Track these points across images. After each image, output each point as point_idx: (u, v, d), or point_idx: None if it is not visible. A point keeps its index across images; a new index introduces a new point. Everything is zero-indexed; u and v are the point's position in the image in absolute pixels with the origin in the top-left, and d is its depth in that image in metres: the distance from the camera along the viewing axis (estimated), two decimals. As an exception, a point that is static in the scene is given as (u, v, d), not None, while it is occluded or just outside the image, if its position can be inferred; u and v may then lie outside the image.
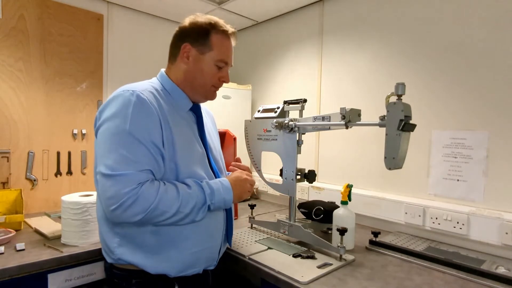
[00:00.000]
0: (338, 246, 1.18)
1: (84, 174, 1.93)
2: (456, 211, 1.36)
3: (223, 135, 1.77)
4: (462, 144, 1.39)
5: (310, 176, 1.36)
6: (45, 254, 1.19)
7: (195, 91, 1.11)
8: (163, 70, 1.15)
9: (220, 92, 1.17)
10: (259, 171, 1.47)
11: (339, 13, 1.87)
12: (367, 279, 1.07)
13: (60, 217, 1.44)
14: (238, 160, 1.27)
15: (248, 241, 1.38)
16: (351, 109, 1.14)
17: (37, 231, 1.42)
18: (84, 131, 1.92)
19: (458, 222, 1.35)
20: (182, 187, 0.96)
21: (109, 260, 1.02)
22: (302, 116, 1.37)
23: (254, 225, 1.58)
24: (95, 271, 1.27)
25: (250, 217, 1.57)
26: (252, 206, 1.57)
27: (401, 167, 1.05)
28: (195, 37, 1.07)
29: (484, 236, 1.29)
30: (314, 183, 1.72)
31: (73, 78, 1.89)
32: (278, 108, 1.41)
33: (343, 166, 1.84)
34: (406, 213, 1.51)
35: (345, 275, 1.09)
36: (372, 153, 1.71)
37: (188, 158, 1.03)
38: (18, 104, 1.71)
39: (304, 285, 1.01)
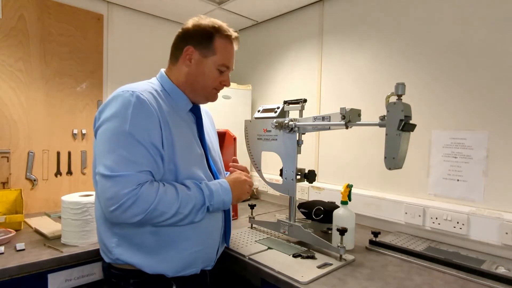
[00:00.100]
0: (338, 246, 1.18)
1: (84, 174, 1.93)
2: (456, 211, 1.36)
3: (223, 135, 1.77)
4: (462, 144, 1.39)
5: (310, 176, 1.36)
6: (45, 254, 1.19)
7: (196, 93, 1.11)
8: (163, 70, 1.14)
9: (220, 92, 1.17)
10: (259, 171, 1.47)
11: (339, 13, 1.87)
12: (367, 279, 1.07)
13: (60, 217, 1.44)
14: (235, 160, 1.27)
15: (248, 241, 1.38)
16: (351, 109, 1.14)
17: (37, 231, 1.42)
18: (84, 131, 1.92)
19: (458, 222, 1.35)
20: (182, 188, 0.96)
21: (107, 260, 1.03)
22: (302, 116, 1.37)
23: (254, 225, 1.58)
24: (95, 271, 1.27)
25: (250, 217, 1.57)
26: (252, 206, 1.57)
27: (401, 167, 1.05)
28: (199, 40, 1.07)
29: (484, 236, 1.29)
30: (314, 183, 1.72)
31: (73, 78, 1.89)
32: (278, 108, 1.41)
33: (343, 166, 1.84)
34: (406, 213, 1.51)
35: (345, 275, 1.09)
36: (372, 153, 1.70)
37: (187, 159, 1.03)
38: (18, 104, 1.71)
39: (304, 285, 1.01)
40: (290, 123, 1.30)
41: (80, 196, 1.35)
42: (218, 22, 1.09)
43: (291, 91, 2.15)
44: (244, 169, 1.22)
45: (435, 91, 1.48)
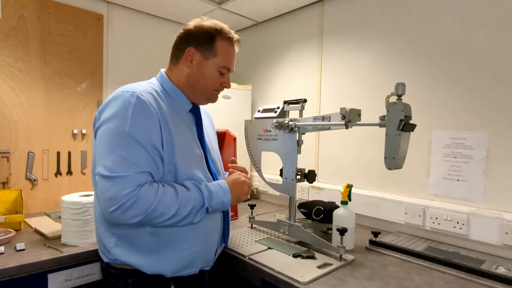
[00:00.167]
0: (338, 246, 1.18)
1: (84, 174, 1.93)
2: (456, 211, 1.36)
3: (223, 135, 1.77)
4: (462, 144, 1.39)
5: (310, 176, 1.36)
6: (45, 254, 1.19)
7: (197, 94, 1.11)
8: (163, 70, 1.14)
9: (220, 93, 1.17)
10: (259, 171, 1.47)
11: (339, 13, 1.87)
12: (367, 279, 1.07)
13: (60, 217, 1.44)
14: (234, 161, 1.27)
15: (248, 241, 1.38)
16: (351, 109, 1.14)
17: (37, 231, 1.42)
18: (84, 131, 1.92)
19: (458, 222, 1.35)
20: (181, 190, 0.96)
21: (105, 259, 1.03)
22: (302, 116, 1.37)
23: (254, 225, 1.58)
24: (95, 271, 1.27)
25: (250, 217, 1.57)
26: (252, 206, 1.57)
27: (401, 167, 1.05)
28: (200, 41, 1.07)
29: (484, 236, 1.29)
30: (314, 183, 1.72)
31: (73, 78, 1.89)
32: (278, 108, 1.41)
33: (343, 166, 1.84)
34: (406, 213, 1.51)
35: (345, 275, 1.09)
36: (372, 153, 1.70)
37: (187, 160, 1.03)
38: (18, 104, 1.71)
39: (304, 285, 1.01)
40: (290, 123, 1.30)
41: (80, 196, 1.35)
42: (220, 24, 1.10)
43: (291, 91, 2.15)
44: (243, 170, 1.22)
45: (435, 91, 1.48)
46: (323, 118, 1.23)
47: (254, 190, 2.33)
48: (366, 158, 1.73)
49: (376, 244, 1.36)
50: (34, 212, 1.74)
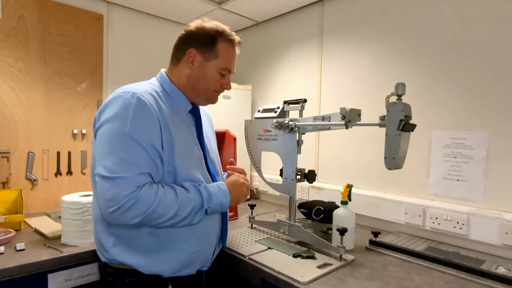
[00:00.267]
0: (338, 246, 1.18)
1: (84, 174, 1.93)
2: (456, 211, 1.36)
3: (223, 135, 1.77)
4: (462, 144, 1.39)
5: (310, 176, 1.36)
6: (45, 254, 1.19)
7: (197, 95, 1.11)
8: (163, 70, 1.14)
9: (220, 94, 1.17)
10: (259, 171, 1.47)
11: (339, 13, 1.87)
12: (367, 279, 1.07)
13: (60, 217, 1.44)
14: (232, 163, 1.27)
15: (248, 241, 1.38)
16: (351, 109, 1.14)
17: (37, 231, 1.42)
18: (84, 131, 1.92)
19: (458, 222, 1.35)
20: (181, 191, 0.96)
21: (103, 259, 1.03)
22: (302, 116, 1.37)
23: (254, 225, 1.58)
24: (95, 271, 1.27)
25: (250, 217, 1.57)
26: (252, 206, 1.57)
27: (401, 167, 1.05)
28: (202, 43, 1.07)
29: (484, 236, 1.29)
30: (314, 183, 1.72)
31: (73, 78, 1.89)
32: (278, 108, 1.41)
33: (343, 166, 1.84)
34: (406, 213, 1.51)
35: (345, 275, 1.09)
36: (372, 153, 1.70)
37: (186, 161, 1.03)
38: (18, 104, 1.71)
39: (304, 285, 1.01)
40: (290, 123, 1.30)
41: (80, 196, 1.35)
42: (221, 26, 1.10)
43: (291, 91, 2.15)
44: (241, 172, 1.22)
45: (435, 91, 1.48)
46: (323, 118, 1.23)
47: (254, 190, 2.33)
48: (366, 158, 1.73)
49: (376, 244, 1.36)
50: (34, 212, 1.74)
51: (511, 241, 1.22)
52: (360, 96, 1.76)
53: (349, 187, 1.33)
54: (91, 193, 1.38)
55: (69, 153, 1.88)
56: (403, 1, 1.59)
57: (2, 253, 1.17)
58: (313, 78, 2.00)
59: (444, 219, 1.38)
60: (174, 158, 0.99)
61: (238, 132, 1.76)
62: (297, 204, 1.49)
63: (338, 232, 1.17)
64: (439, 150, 1.46)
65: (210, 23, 1.09)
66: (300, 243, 1.35)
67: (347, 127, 1.16)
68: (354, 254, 1.25)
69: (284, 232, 1.38)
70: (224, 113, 2.10)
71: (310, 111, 1.91)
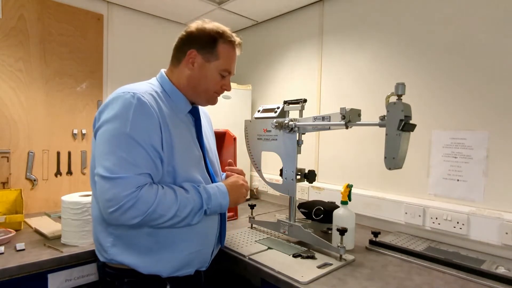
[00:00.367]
0: (338, 246, 1.18)
1: (84, 174, 1.93)
2: (456, 211, 1.36)
3: (223, 135, 1.77)
4: (462, 144, 1.39)
5: (310, 176, 1.36)
6: (45, 254, 1.19)
7: (197, 95, 1.11)
8: (163, 71, 1.14)
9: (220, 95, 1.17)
10: (259, 171, 1.47)
11: (339, 13, 1.87)
12: (367, 279, 1.07)
13: (60, 217, 1.44)
14: (231, 163, 1.27)
15: (248, 241, 1.38)
16: (351, 109, 1.14)
17: (37, 231, 1.42)
18: (84, 131, 1.92)
19: (458, 222, 1.35)
20: (180, 192, 0.97)
21: (102, 259, 1.03)
22: (302, 116, 1.37)
23: (254, 225, 1.58)
24: (95, 271, 1.26)
25: (250, 217, 1.57)
26: (252, 206, 1.57)
27: (401, 167, 1.05)
28: (202, 44, 1.07)
29: (484, 236, 1.29)
30: (314, 183, 1.72)
31: (73, 78, 1.89)
32: (278, 108, 1.41)
33: (343, 166, 1.84)
34: (406, 213, 1.51)
35: (345, 275, 1.09)
36: (372, 153, 1.70)
37: (186, 162, 1.03)
38: (18, 104, 1.71)
39: (304, 285, 1.01)
40: (290, 123, 1.30)
41: (80, 196, 1.35)
42: (222, 27, 1.10)
43: (291, 91, 2.15)
44: (240, 172, 1.22)
45: (435, 91, 1.48)
46: (323, 118, 1.23)
47: (254, 190, 2.33)
48: (366, 158, 1.73)
49: (376, 244, 1.36)
50: (34, 212, 1.74)
51: (511, 241, 1.22)
52: (360, 96, 1.76)
53: (349, 187, 1.33)
54: (91, 193, 1.38)
55: (69, 153, 1.88)
56: (403, 1, 1.59)
57: (2, 253, 1.17)
58: (313, 78, 2.00)
59: (444, 219, 1.38)
60: (174, 159, 0.99)
61: (238, 132, 1.76)
62: (297, 204, 1.49)
63: (338, 232, 1.17)
64: (439, 150, 1.46)
65: (211, 24, 1.09)
66: (300, 243, 1.35)
67: (347, 127, 1.16)
68: (354, 254, 1.25)
69: (284, 232, 1.38)
70: (224, 113, 2.10)
71: (310, 111, 1.91)
